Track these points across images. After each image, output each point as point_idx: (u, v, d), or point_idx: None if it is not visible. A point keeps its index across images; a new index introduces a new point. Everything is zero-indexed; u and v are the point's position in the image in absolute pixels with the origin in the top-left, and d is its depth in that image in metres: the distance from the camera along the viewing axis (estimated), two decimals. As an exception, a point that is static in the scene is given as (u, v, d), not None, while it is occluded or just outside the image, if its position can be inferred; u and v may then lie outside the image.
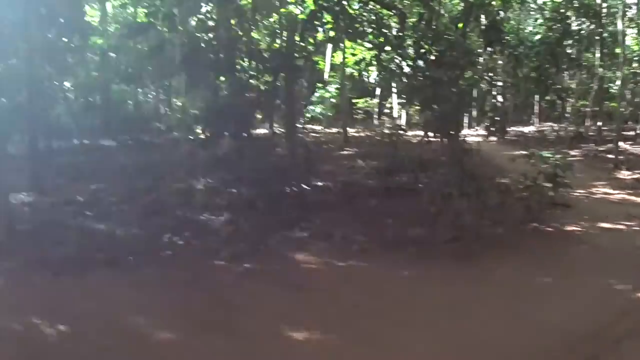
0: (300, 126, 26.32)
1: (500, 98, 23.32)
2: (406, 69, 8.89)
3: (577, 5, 21.05)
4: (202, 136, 11.02)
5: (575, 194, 12.32)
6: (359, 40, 11.73)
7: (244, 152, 11.09)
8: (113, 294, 6.52)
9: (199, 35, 11.81)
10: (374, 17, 9.83)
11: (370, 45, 10.07)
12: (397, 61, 9.16)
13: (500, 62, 18.02)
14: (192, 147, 12.85)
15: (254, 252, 8.09)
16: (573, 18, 20.82)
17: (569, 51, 21.32)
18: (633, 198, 12.55)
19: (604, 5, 22.14)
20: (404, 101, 14.20)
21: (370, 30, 9.77)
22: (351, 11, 10.15)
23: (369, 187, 11.85)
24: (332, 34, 10.53)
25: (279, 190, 10.64)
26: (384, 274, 7.21)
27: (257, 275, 7.17)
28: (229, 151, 11.47)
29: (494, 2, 10.38)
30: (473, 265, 7.46)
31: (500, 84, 22.11)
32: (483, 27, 9.78)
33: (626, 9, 21.07)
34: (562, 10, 20.44)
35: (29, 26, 12.62)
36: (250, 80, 11.76)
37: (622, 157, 17.87)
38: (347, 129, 23.58)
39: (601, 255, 8.00)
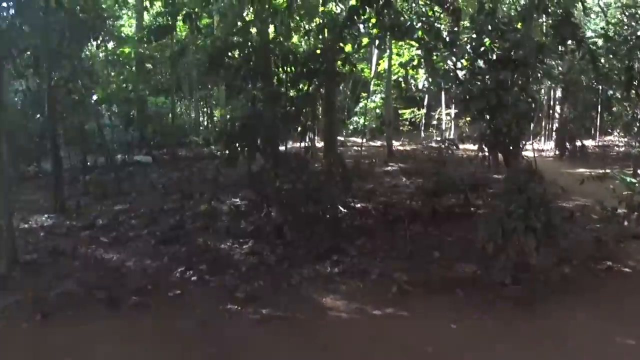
0: (343, 139, 25.30)
1: (565, 108, 21.45)
2: (462, 72, 7.48)
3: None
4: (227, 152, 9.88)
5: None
6: (406, 39, 10.30)
7: (274, 169, 9.93)
8: (101, 348, 5.47)
9: (227, 37, 10.73)
10: (423, 11, 8.50)
11: (418, 45, 8.67)
12: (451, 62, 7.78)
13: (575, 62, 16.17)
14: (220, 164, 11.90)
15: (276, 291, 6.97)
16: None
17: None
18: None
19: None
20: (459, 111, 12.65)
21: (419, 25, 8.41)
22: (397, 5, 8.86)
23: (413, 210, 10.55)
24: (375, 31, 9.21)
25: (312, 213, 9.44)
26: (427, 327, 5.93)
27: (274, 325, 6.01)
28: (258, 169, 10.35)
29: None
30: (537, 316, 6.09)
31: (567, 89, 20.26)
32: (554, 21, 8.25)
33: None
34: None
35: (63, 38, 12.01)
36: (284, 89, 10.58)
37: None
38: (392, 142, 22.25)
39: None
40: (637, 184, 8.37)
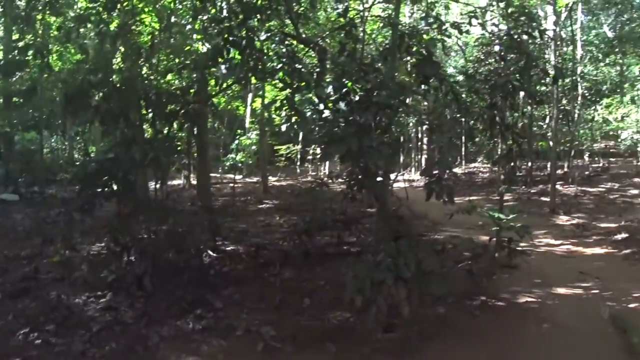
0: (219, 176, 24.59)
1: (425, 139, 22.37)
2: (326, 113, 7.16)
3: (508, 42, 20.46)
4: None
5: (517, 248, 11.06)
6: (269, 80, 9.98)
7: (134, 215, 9.11)
8: None
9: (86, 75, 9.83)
10: (285, 51, 8.16)
11: (282, 85, 8.30)
12: (313, 103, 7.46)
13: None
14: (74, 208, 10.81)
15: (129, 355, 6.13)
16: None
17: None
18: (579, 249, 11.35)
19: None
20: (322, 154, 12.44)
21: (280, 66, 8.07)
22: (260, 45, 8.49)
23: (285, 252, 10.11)
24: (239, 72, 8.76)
25: (175, 262, 8.69)
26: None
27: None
28: (114, 214, 9.46)
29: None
30: (415, 364, 5.79)
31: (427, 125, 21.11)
32: (415, 59, 8.26)
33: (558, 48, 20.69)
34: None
35: None
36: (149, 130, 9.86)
37: (557, 199, 16.96)
38: (267, 178, 21.88)
39: (568, 338, 6.47)
40: (504, 219, 8.41)
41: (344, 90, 7.25)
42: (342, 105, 6.99)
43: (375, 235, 6.88)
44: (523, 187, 20.88)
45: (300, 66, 7.93)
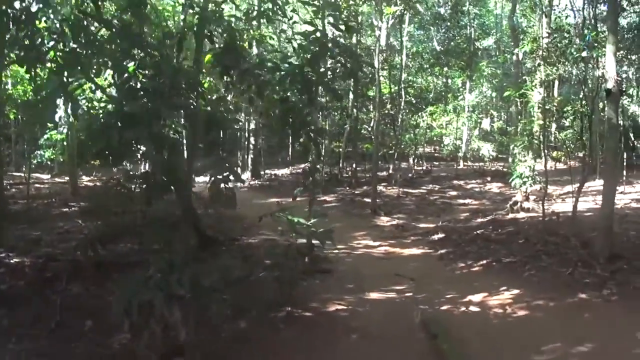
0: (24, 175, 21.73)
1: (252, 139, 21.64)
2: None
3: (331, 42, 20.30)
4: None
5: (335, 250, 10.54)
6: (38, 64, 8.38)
7: None
8: None
9: None
10: (58, 27, 6.73)
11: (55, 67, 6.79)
12: (90, 90, 6.17)
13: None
14: None
15: None
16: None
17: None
18: (397, 250, 11.14)
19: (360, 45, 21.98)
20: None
21: (52, 44, 6.62)
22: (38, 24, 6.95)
23: (77, 263, 8.62)
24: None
25: None
26: None
27: None
28: None
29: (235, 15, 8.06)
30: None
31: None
32: (218, 49, 7.24)
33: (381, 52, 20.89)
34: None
35: None
36: None
37: (379, 200, 16.98)
38: (77, 177, 19.66)
39: (377, 347, 5.89)
40: (305, 225, 7.64)
41: (125, 75, 6.03)
42: (113, 92, 5.76)
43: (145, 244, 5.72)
44: (347, 188, 20.85)
45: (75, 46, 6.53)
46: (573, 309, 7.22)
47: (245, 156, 24.13)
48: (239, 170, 23.82)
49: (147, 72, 6.35)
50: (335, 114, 25.74)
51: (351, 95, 22.43)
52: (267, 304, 6.80)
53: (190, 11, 7.72)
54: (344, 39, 11.95)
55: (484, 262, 9.61)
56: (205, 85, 8.86)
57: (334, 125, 25.43)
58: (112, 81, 6.36)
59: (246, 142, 23.23)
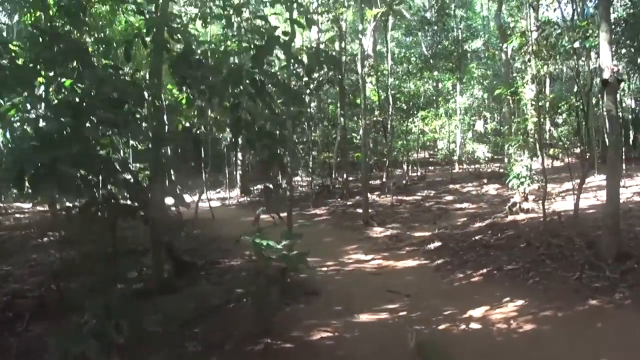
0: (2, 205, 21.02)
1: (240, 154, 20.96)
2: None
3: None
4: None
5: (324, 268, 9.84)
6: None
7: None
8: None
9: None
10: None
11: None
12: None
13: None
14: None
15: None
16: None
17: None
18: (389, 263, 10.42)
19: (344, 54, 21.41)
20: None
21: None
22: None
23: (42, 300, 7.96)
24: None
25: None
26: None
27: None
28: None
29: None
30: None
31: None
32: (174, 58, 6.56)
33: (365, 59, 20.32)
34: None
35: None
36: None
37: (371, 210, 16.28)
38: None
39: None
40: (275, 248, 6.74)
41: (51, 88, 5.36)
42: (41, 109, 5.10)
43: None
44: (339, 199, 20.12)
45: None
46: (584, 318, 6.58)
47: (234, 172, 23.46)
48: (227, 186, 23.17)
49: (83, 84, 5.66)
50: (326, 124, 25.15)
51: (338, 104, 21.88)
52: (242, 336, 6.09)
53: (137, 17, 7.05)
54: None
55: (484, 271, 8.93)
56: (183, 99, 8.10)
57: (323, 136, 24.75)
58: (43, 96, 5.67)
59: (234, 158, 22.55)
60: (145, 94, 6.45)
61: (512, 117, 19.09)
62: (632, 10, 19.35)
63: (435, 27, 28.38)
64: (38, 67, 5.56)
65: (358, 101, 21.76)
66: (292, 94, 8.15)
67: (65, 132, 4.94)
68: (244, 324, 6.42)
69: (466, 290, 8.17)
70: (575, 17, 12.74)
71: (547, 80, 25.24)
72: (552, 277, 8.10)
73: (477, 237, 11.33)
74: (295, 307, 7.28)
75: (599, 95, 18.17)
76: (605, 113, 10.33)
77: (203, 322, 6.79)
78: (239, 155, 21.77)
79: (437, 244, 11.48)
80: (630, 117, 19.33)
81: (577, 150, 19.52)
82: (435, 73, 28.45)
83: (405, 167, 26.33)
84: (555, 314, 6.72)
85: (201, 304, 7.66)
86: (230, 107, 6.81)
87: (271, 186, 9.32)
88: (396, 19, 26.13)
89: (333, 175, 23.98)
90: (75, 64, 5.69)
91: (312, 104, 26.01)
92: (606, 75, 8.57)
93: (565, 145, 17.08)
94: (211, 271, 9.88)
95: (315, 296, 7.82)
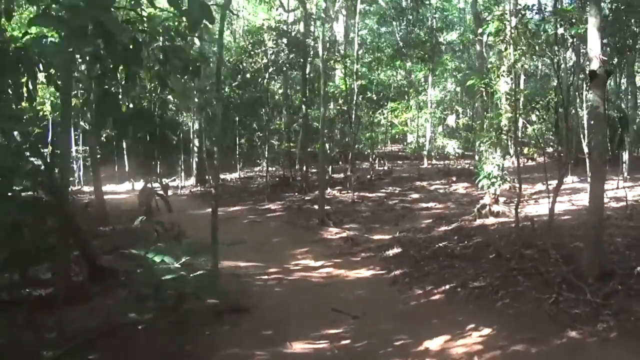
0: None
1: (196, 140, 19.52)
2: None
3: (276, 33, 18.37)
4: None
5: (264, 276, 8.54)
6: None
7: None
8: None
9: None
10: None
11: None
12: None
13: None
14: None
15: None
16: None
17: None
18: (341, 272, 9.17)
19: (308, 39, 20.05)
20: None
21: None
22: None
23: None
24: None
25: None
26: None
27: None
28: None
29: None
30: None
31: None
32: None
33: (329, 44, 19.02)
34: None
35: None
36: None
37: (329, 207, 14.98)
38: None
39: None
40: (172, 266, 5.34)
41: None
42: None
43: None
44: (297, 193, 18.66)
45: None
46: (562, 354, 5.43)
47: (191, 160, 21.96)
48: (183, 175, 21.68)
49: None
50: (291, 111, 23.74)
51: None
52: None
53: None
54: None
55: (447, 287, 7.71)
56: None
57: (287, 125, 23.27)
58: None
59: (191, 145, 21.04)
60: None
61: (485, 112, 18.00)
62: (613, 6, 18.40)
63: (410, 17, 27.28)
64: None
65: (331, 90, 20.54)
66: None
67: None
68: (151, 351, 5.08)
69: (424, 312, 6.96)
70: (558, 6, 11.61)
71: (522, 77, 24.24)
72: (524, 298, 6.93)
73: (441, 244, 10.13)
74: (218, 330, 5.99)
75: (576, 93, 17.27)
76: (587, 110, 9.25)
77: (105, 344, 5.50)
78: (195, 141, 20.27)
79: (397, 250, 10.27)
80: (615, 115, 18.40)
81: (550, 150, 18.54)
82: (409, 64, 27.33)
83: (371, 160, 25.08)
84: (528, 349, 5.56)
85: (108, 320, 6.35)
86: (94, 79, 5.12)
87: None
88: (367, 3, 24.85)
89: (296, 167, 22.58)
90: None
91: (277, 89, 24.71)
92: (594, 66, 7.42)
93: (541, 144, 15.97)
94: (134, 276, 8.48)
95: (247, 314, 6.52)
